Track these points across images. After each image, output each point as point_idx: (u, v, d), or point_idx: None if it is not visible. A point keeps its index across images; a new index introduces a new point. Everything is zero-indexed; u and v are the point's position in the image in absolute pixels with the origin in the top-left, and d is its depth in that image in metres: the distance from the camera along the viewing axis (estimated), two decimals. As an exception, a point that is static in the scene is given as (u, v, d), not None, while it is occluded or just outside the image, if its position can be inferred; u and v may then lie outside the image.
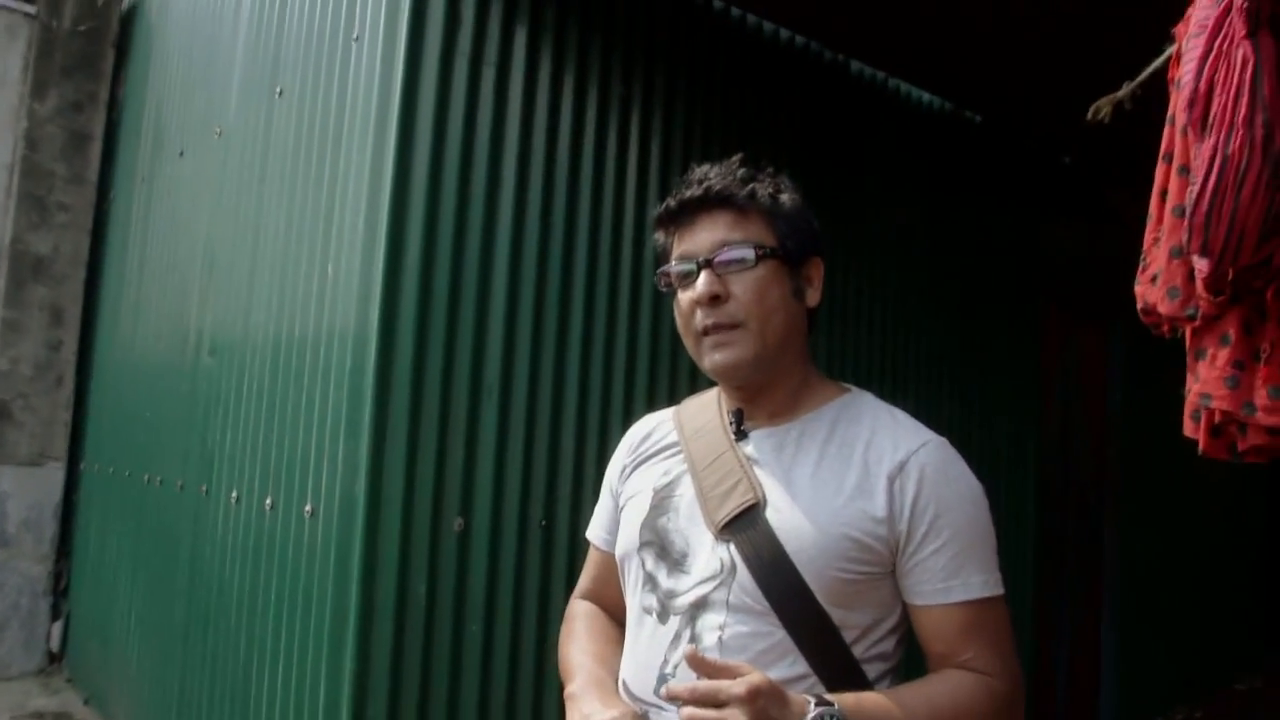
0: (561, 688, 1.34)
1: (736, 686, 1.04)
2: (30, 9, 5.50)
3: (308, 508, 2.71)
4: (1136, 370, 5.35)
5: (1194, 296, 1.10)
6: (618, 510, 1.45)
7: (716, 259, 1.27)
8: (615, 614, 1.47)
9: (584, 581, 1.56)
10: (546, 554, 2.70)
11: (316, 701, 2.53)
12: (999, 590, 1.26)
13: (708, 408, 1.40)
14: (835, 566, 1.20)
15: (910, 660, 1.30)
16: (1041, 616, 4.67)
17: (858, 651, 1.23)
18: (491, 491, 2.62)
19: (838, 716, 1.08)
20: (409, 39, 2.57)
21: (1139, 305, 1.15)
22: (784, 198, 1.33)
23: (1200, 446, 1.11)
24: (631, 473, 1.44)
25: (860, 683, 1.22)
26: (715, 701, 1.03)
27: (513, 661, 2.62)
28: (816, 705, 1.08)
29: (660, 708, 1.22)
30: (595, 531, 1.53)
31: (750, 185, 1.30)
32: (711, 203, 1.30)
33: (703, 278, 1.27)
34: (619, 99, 3.01)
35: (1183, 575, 5.87)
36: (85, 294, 5.57)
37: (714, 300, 1.26)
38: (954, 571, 1.22)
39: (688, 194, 1.31)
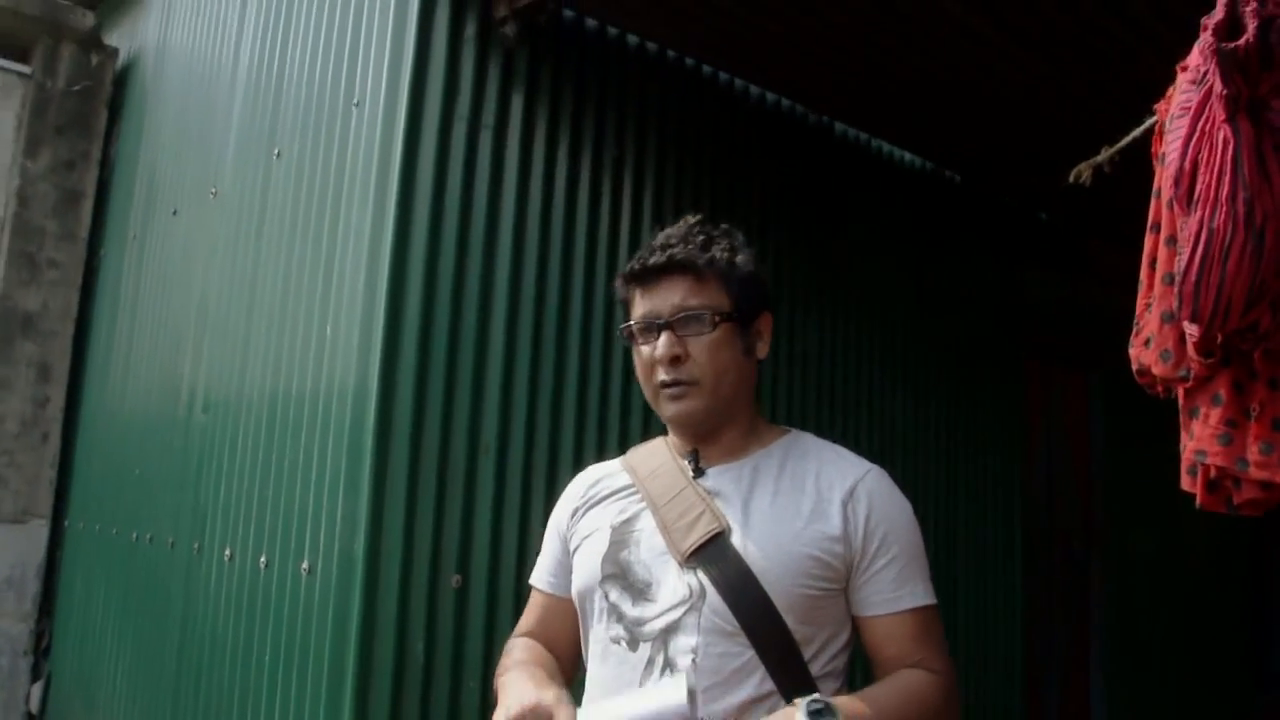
0: None
1: None
2: (25, 69, 5.56)
3: (304, 565, 2.71)
4: (1118, 418, 5.42)
5: (1186, 359, 1.16)
6: (568, 554, 1.52)
7: (676, 321, 1.39)
8: (557, 656, 1.52)
9: (523, 623, 1.60)
10: (544, 609, 2.71)
11: (314, 761, 2.52)
12: (935, 599, 1.40)
13: (657, 453, 1.51)
14: (799, 584, 1.32)
15: (855, 684, 1.37)
16: (1030, 664, 4.68)
17: (814, 669, 1.33)
18: (489, 549, 2.64)
19: (823, 700, 1.17)
20: (409, 104, 2.64)
21: (1134, 367, 1.21)
22: (739, 259, 1.45)
23: (1198, 500, 1.16)
24: (584, 515, 1.52)
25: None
26: None
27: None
28: (808, 703, 1.16)
29: None
30: (540, 576, 1.59)
31: (709, 252, 1.42)
32: (673, 268, 1.41)
33: (663, 339, 1.39)
34: (612, 160, 3.08)
35: (1171, 620, 5.90)
36: (74, 350, 5.56)
37: (674, 360, 1.38)
38: (903, 582, 1.36)
39: (651, 260, 1.42)
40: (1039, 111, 3.57)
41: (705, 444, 1.45)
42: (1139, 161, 1.53)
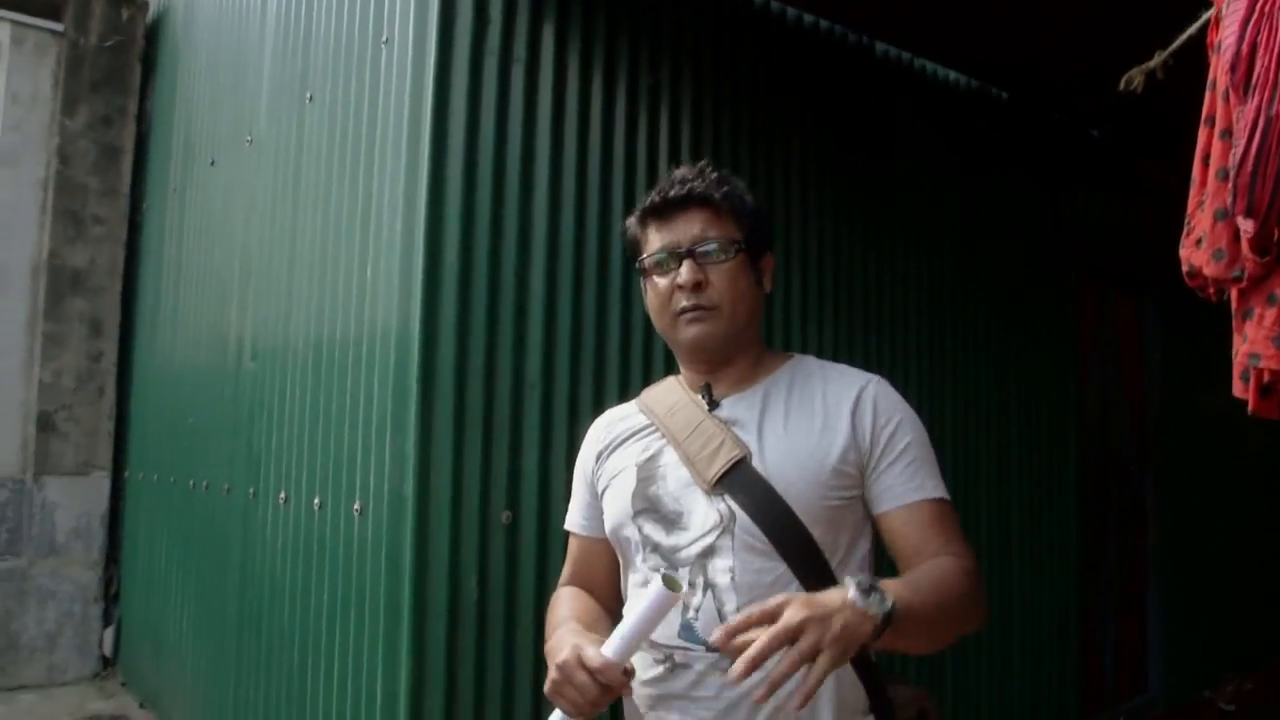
0: None
1: (788, 615, 1.12)
2: (57, 26, 5.58)
3: (356, 506, 2.75)
4: (1172, 341, 5.30)
5: (1240, 258, 1.11)
6: (597, 497, 1.59)
7: (697, 250, 1.46)
8: (600, 597, 1.61)
9: (565, 571, 1.69)
10: (593, 544, 2.72)
11: (374, 696, 2.57)
12: (948, 495, 1.46)
13: (672, 391, 1.58)
14: (821, 496, 1.40)
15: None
16: (1087, 591, 4.65)
17: (840, 576, 1.38)
18: (538, 484, 2.64)
19: (870, 580, 1.19)
20: (439, 40, 2.59)
21: (1184, 269, 1.16)
22: (748, 200, 1.54)
23: (1250, 406, 1.12)
24: (608, 457, 1.59)
25: None
26: (776, 639, 1.11)
27: (564, 651, 2.64)
28: (853, 580, 1.19)
29: (686, 649, 1.38)
30: (573, 520, 1.67)
31: (724, 187, 1.50)
32: (692, 201, 1.48)
33: (686, 266, 1.46)
34: (648, 89, 3.02)
35: (1228, 544, 5.82)
36: (123, 305, 5.66)
37: (696, 286, 1.45)
38: (914, 475, 1.43)
39: (671, 193, 1.49)
40: (1089, 18, 3.43)
41: (717, 375, 1.53)
42: (1194, 69, 1.45)
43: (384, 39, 2.84)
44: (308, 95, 3.39)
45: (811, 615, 1.11)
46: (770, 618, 1.12)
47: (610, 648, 1.25)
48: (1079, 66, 3.84)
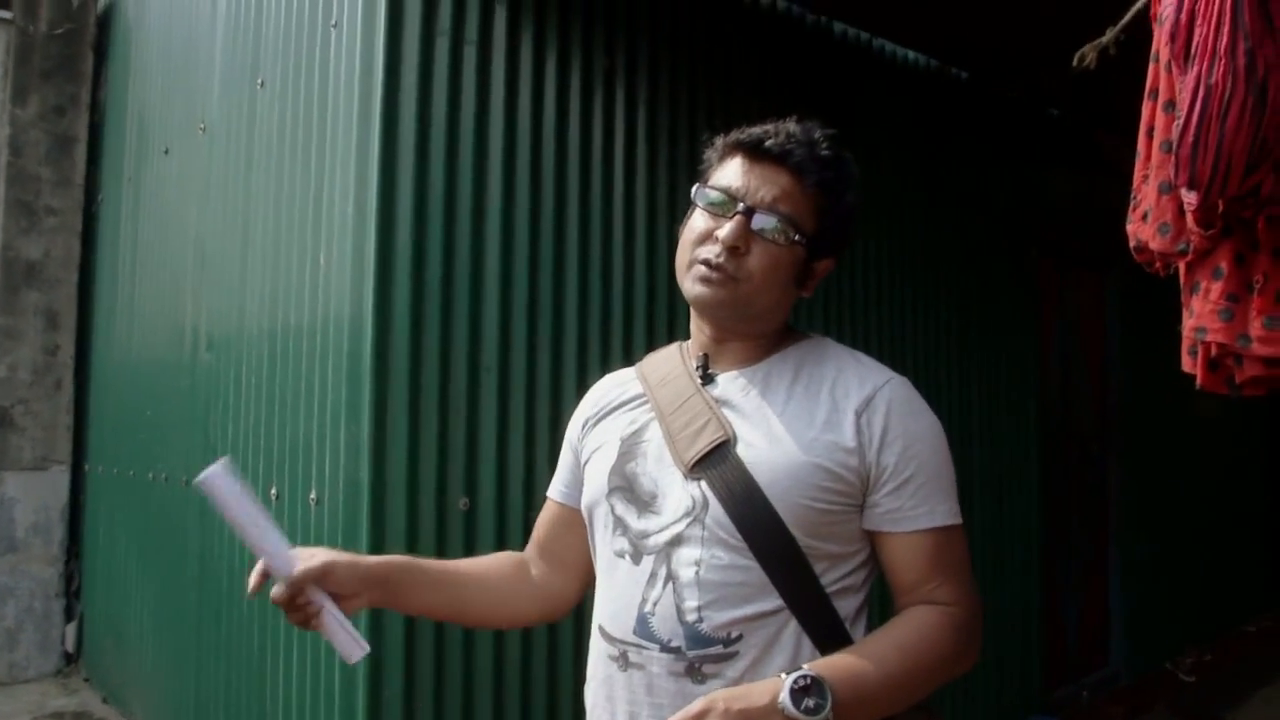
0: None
1: (690, 709, 1.08)
2: (5, 14, 5.46)
3: (312, 495, 2.72)
4: (1133, 317, 5.35)
5: (1185, 231, 1.10)
6: (580, 466, 1.46)
7: (756, 215, 1.27)
8: (557, 571, 1.50)
9: (533, 535, 1.57)
10: (553, 529, 2.71)
11: (333, 684, 2.55)
12: (960, 520, 1.30)
13: (670, 359, 1.43)
14: (807, 496, 1.23)
15: (881, 600, 1.32)
16: (1049, 567, 4.70)
17: (826, 583, 1.26)
18: (495, 469, 2.62)
19: (809, 675, 1.10)
20: (388, 22, 2.55)
21: (1131, 244, 1.15)
22: (848, 198, 1.34)
23: (1198, 380, 1.11)
24: (595, 426, 1.46)
25: (830, 616, 1.25)
26: None
27: (524, 637, 2.63)
28: (789, 676, 1.10)
29: (640, 647, 1.25)
30: (554, 487, 1.54)
31: (826, 172, 1.30)
32: (786, 161, 1.29)
33: (734, 224, 1.27)
34: (602, 70, 2.99)
35: (1189, 519, 5.90)
36: (79, 297, 5.57)
37: (732, 249, 1.27)
38: (922, 500, 1.26)
39: (769, 142, 1.29)
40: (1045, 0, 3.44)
41: (720, 347, 1.36)
42: (1146, 43, 1.45)
43: (333, 22, 2.80)
44: (259, 81, 3.34)
45: (714, 700, 1.07)
46: None
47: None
48: (1036, 45, 3.85)
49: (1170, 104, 1.13)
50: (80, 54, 5.66)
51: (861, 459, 1.25)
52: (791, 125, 1.33)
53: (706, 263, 1.28)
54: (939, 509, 1.27)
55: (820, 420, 1.27)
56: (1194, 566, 5.95)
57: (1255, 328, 1.04)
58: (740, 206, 1.28)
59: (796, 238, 1.29)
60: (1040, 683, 4.53)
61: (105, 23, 5.71)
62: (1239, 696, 5.34)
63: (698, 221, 1.31)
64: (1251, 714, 5.10)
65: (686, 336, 1.44)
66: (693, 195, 1.35)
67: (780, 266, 1.29)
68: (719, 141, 1.37)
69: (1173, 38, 1.03)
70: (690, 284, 1.31)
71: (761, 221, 1.27)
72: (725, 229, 1.27)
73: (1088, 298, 5.29)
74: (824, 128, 1.35)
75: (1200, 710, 4.99)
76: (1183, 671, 5.56)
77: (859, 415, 1.27)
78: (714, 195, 1.30)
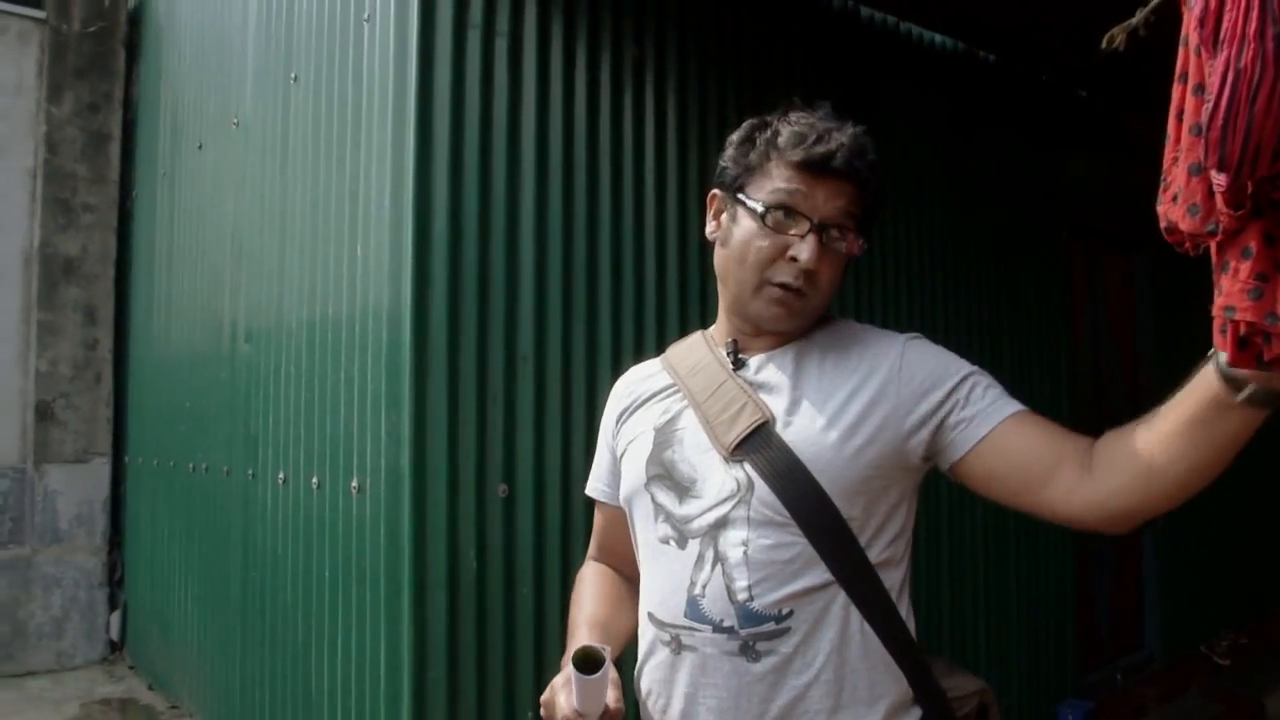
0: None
1: None
2: (39, 14, 5.55)
3: (354, 484, 2.77)
4: (1164, 297, 5.32)
5: (1214, 212, 1.11)
6: (616, 460, 1.48)
7: (830, 230, 1.29)
8: (626, 567, 1.50)
9: (593, 541, 1.61)
10: (590, 513, 2.73)
11: (378, 669, 2.60)
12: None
13: (696, 348, 1.44)
14: (850, 466, 1.25)
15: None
16: (1082, 548, 4.69)
17: (871, 555, 1.28)
18: (533, 456, 2.67)
19: None
20: (420, 15, 2.59)
21: (1162, 225, 1.17)
22: (883, 190, 1.36)
23: (1228, 359, 1.13)
24: (627, 419, 1.47)
25: (876, 586, 1.28)
26: None
27: (565, 620, 2.67)
28: None
29: (691, 629, 1.27)
30: (595, 486, 1.57)
31: (876, 172, 1.32)
32: (848, 175, 1.29)
33: (811, 246, 1.27)
34: (632, 60, 3.02)
35: (1223, 500, 5.86)
36: (116, 291, 5.67)
37: (809, 272, 1.28)
38: (995, 397, 1.27)
39: (836, 161, 1.28)
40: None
41: (750, 335, 1.38)
42: (1177, 25, 1.46)
43: (366, 16, 2.84)
44: (292, 75, 3.39)
45: None
46: None
47: (577, 698, 1.21)
48: (1064, 27, 3.84)
49: (1200, 87, 1.14)
50: (113, 51, 5.75)
51: (908, 412, 1.26)
52: (842, 134, 1.30)
53: (785, 286, 1.29)
54: (1013, 401, 1.27)
55: (853, 389, 1.29)
56: (1229, 549, 5.91)
57: (1283, 306, 1.06)
58: (814, 224, 1.28)
59: (861, 243, 1.33)
60: (1075, 667, 4.53)
61: (136, 20, 5.79)
62: (1275, 679, 5.31)
63: (760, 239, 1.30)
64: (1287, 696, 5.08)
65: (713, 322, 1.47)
66: (733, 198, 1.34)
67: (840, 266, 1.33)
68: (760, 140, 1.34)
69: (1202, 22, 1.04)
70: (763, 306, 1.32)
71: (834, 236, 1.30)
72: (804, 251, 1.27)
73: (1118, 279, 5.26)
74: (853, 120, 1.35)
75: (1235, 693, 4.97)
76: (1217, 655, 5.53)
77: (898, 373, 1.28)
78: (780, 213, 1.29)
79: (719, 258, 1.38)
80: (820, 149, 1.28)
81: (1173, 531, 5.35)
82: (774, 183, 1.30)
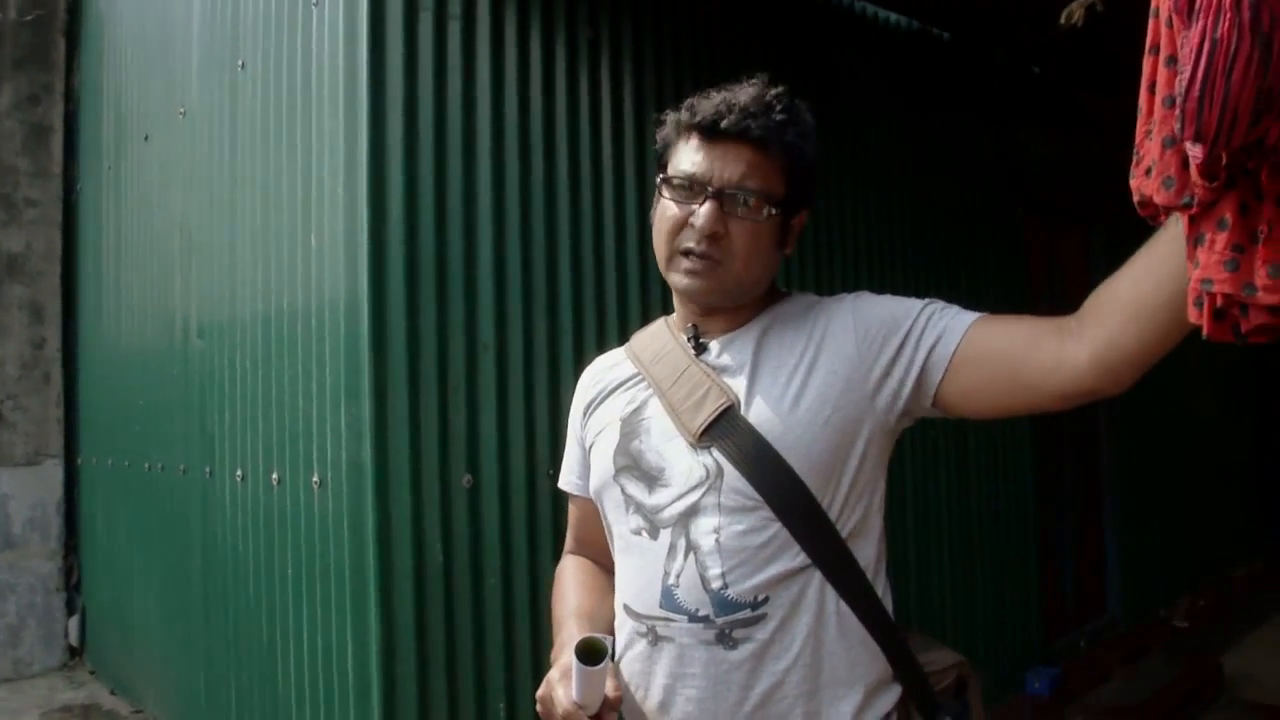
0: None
1: None
2: (-28, 3, 5.38)
3: (315, 479, 2.72)
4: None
5: (1189, 184, 1.11)
6: (586, 452, 1.47)
7: (726, 194, 1.27)
8: (604, 559, 1.48)
9: (569, 534, 1.60)
10: (557, 502, 2.72)
11: (345, 666, 2.56)
12: None
13: (658, 335, 1.43)
14: (818, 441, 1.24)
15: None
16: (1045, 519, 4.75)
17: (844, 530, 1.26)
18: (497, 446, 2.63)
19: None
20: (370, -2, 2.53)
21: (1135, 198, 1.16)
22: (807, 148, 1.32)
23: (1204, 331, 1.12)
24: (594, 410, 1.46)
25: (851, 565, 1.27)
26: None
27: (533, 610, 2.66)
28: None
29: (667, 620, 1.27)
30: (567, 479, 1.55)
31: (784, 134, 1.28)
32: (744, 137, 1.27)
33: (707, 210, 1.26)
34: (588, 42, 2.97)
35: (1179, 466, 5.97)
36: (63, 288, 5.53)
37: (711, 236, 1.26)
38: (955, 314, 1.27)
39: (725, 122, 1.26)
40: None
41: (706, 318, 1.37)
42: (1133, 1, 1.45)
43: (314, 0, 2.77)
44: (239, 62, 3.30)
45: None
46: None
47: (578, 690, 1.20)
48: (1019, 4, 3.85)
49: (1172, 59, 1.13)
50: (52, 41, 5.59)
51: (873, 363, 1.26)
52: (742, 95, 1.29)
53: (688, 253, 1.28)
54: (973, 312, 1.27)
55: (812, 358, 1.28)
56: (1184, 515, 6.02)
57: (1260, 277, 1.06)
58: (710, 190, 1.27)
59: (771, 210, 1.29)
60: (1040, 633, 4.59)
61: (75, 8, 5.62)
62: (1230, 640, 5.43)
63: (669, 209, 1.30)
64: (1242, 656, 5.20)
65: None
66: (658, 182, 1.34)
67: (760, 238, 1.29)
68: (671, 119, 1.35)
69: (1176, -9, 1.02)
70: (677, 276, 1.31)
71: (734, 200, 1.27)
72: (700, 216, 1.26)
73: (1073, 253, 5.31)
74: (771, 85, 1.32)
75: (1195, 654, 5.08)
76: (1177, 617, 5.64)
77: (849, 329, 1.28)
78: (680, 182, 1.29)
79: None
80: (712, 112, 1.28)
81: (1132, 497, 5.44)
82: (680, 154, 1.32)
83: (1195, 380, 6.01)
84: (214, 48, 3.56)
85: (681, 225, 1.29)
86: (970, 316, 1.25)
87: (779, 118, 1.28)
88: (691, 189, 1.28)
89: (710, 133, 1.28)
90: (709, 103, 1.30)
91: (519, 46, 2.80)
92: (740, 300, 1.34)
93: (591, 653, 1.20)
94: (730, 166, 1.27)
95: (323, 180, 2.69)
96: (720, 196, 1.27)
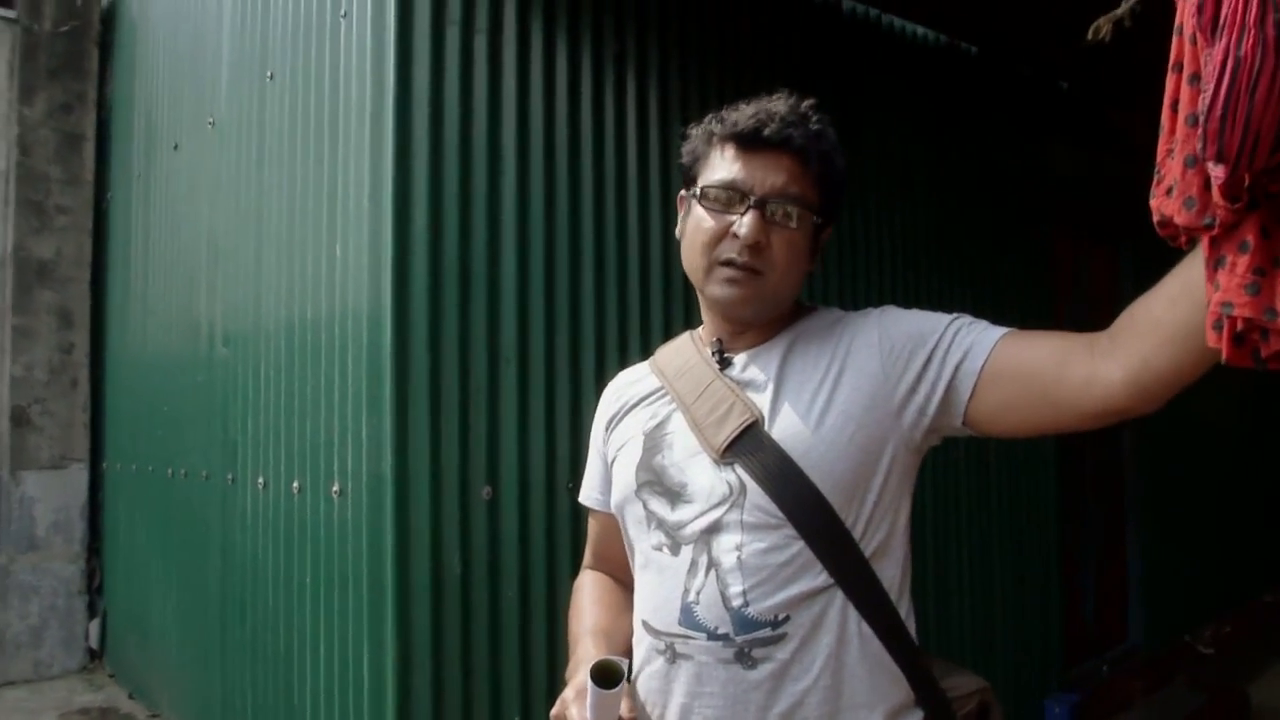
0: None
1: None
2: (10, 14, 5.46)
3: (335, 488, 2.73)
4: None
5: (1211, 205, 1.09)
6: (608, 467, 1.45)
7: (770, 204, 1.26)
8: (624, 575, 1.47)
9: (589, 550, 1.58)
10: (576, 515, 2.72)
11: (361, 675, 2.57)
12: None
13: (683, 349, 1.42)
14: (842, 458, 1.22)
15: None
16: (1066, 540, 4.70)
17: (868, 550, 1.24)
18: (517, 458, 2.63)
19: None
20: (398, 11, 2.55)
21: (1155, 219, 1.14)
22: (838, 160, 1.32)
23: (1224, 356, 1.10)
24: (617, 425, 1.45)
25: (874, 584, 1.25)
26: None
27: (550, 623, 2.65)
28: None
29: (686, 637, 1.25)
30: (588, 494, 1.54)
31: (821, 145, 1.29)
32: (785, 147, 1.27)
33: (751, 220, 1.25)
34: (613, 56, 2.98)
35: (1206, 489, 5.89)
36: (92, 295, 5.59)
37: (754, 246, 1.25)
38: (982, 330, 1.24)
39: (767, 131, 1.26)
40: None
41: (732, 333, 1.36)
42: (1162, 16, 1.44)
43: (342, 12, 2.80)
44: (268, 74, 3.34)
45: None
46: None
47: (592, 712, 1.19)
48: (1045, 19, 3.83)
49: (1195, 77, 1.11)
50: (85, 51, 5.67)
51: (899, 379, 1.24)
52: (778, 105, 1.30)
53: (730, 263, 1.27)
54: (1001, 327, 1.24)
55: (835, 372, 1.27)
56: (1211, 539, 5.94)
57: (1281, 301, 1.04)
58: (753, 200, 1.26)
59: (809, 218, 1.28)
60: (1061, 660, 4.54)
61: (110, 19, 5.71)
62: (1258, 669, 5.34)
63: (704, 220, 1.29)
64: (1271, 685, 5.10)
65: (701, 323, 1.43)
66: (689, 193, 1.33)
67: (798, 249, 1.29)
68: (697, 132, 1.35)
69: (1199, 10, 1.01)
70: (716, 287, 1.29)
71: (776, 210, 1.26)
72: (744, 226, 1.25)
73: (1102, 271, 5.27)
74: (802, 97, 1.33)
75: (1220, 683, 4.99)
76: (1202, 644, 5.56)
77: (875, 345, 1.26)
78: (718, 192, 1.28)
79: (681, 252, 1.37)
80: (752, 121, 1.27)
81: (1157, 522, 5.37)
82: (715, 165, 1.30)
83: (1222, 400, 5.93)
84: (243, 59, 3.61)
85: (720, 236, 1.27)
86: (998, 332, 1.23)
87: (815, 128, 1.29)
88: (731, 199, 1.27)
89: (750, 142, 1.28)
90: (744, 113, 1.29)
91: (545, 60, 2.81)
92: (773, 313, 1.33)
93: (607, 675, 1.19)
94: (772, 175, 1.27)
95: (348, 191, 2.71)
96: (763, 205, 1.26)
